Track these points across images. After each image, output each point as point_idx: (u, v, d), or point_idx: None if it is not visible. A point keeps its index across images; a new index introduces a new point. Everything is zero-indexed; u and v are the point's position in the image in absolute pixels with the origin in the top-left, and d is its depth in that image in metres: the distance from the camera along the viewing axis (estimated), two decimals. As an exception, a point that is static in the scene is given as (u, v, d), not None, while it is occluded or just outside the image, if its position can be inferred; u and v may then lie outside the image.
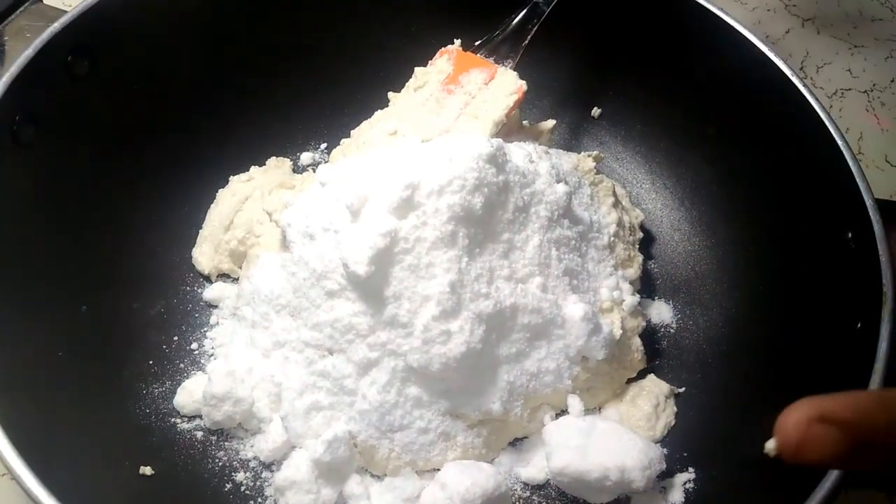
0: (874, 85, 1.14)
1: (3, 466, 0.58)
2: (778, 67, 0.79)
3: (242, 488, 0.73)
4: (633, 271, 0.83)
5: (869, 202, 0.69)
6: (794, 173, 0.80)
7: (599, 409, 0.79)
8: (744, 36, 0.82)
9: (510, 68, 0.84)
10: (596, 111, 0.98)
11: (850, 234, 0.70)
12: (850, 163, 0.72)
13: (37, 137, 0.74)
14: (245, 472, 0.74)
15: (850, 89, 1.13)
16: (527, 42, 0.85)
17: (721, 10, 0.84)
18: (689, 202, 0.92)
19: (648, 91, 0.94)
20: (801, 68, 1.14)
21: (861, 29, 1.20)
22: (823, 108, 0.76)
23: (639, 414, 0.77)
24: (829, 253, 0.73)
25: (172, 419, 0.76)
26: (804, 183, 0.78)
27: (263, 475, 0.74)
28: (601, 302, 0.77)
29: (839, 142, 0.73)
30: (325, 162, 0.94)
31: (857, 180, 0.71)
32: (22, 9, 0.81)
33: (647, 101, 0.95)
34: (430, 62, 0.86)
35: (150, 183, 0.86)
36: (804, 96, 0.77)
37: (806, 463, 0.42)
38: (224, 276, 0.86)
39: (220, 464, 0.74)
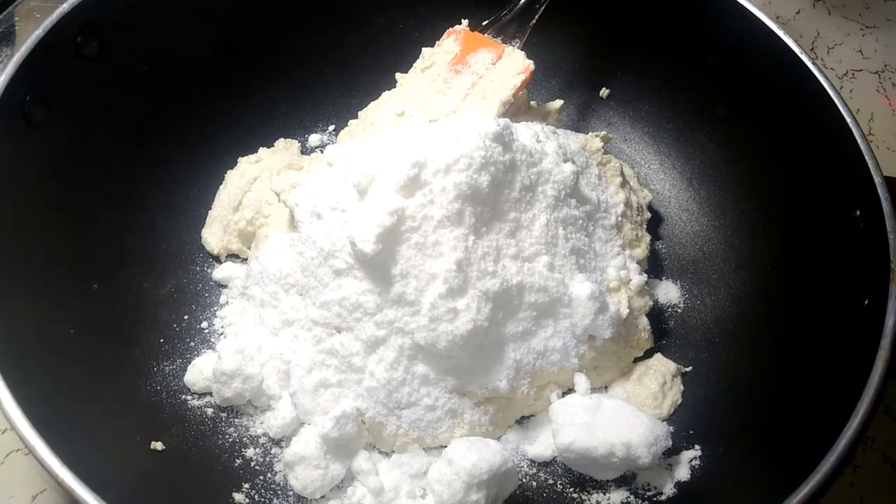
0: (886, 66, 1.13)
1: (19, 441, 0.59)
2: (789, 48, 0.79)
3: (252, 464, 0.74)
4: (641, 251, 0.83)
5: (878, 179, 0.69)
6: (803, 154, 0.79)
7: (606, 387, 0.79)
8: (754, 16, 0.82)
9: (518, 48, 0.84)
10: (604, 92, 0.98)
11: (858, 212, 0.70)
12: (860, 142, 0.71)
13: (47, 118, 0.74)
14: (255, 448, 0.75)
15: (861, 70, 1.12)
16: (534, 22, 0.85)
17: (731, -11, 0.83)
18: (697, 182, 0.92)
19: (657, 72, 0.94)
20: (812, 49, 1.13)
21: (873, 9, 1.19)
22: (834, 88, 0.75)
23: (645, 392, 0.77)
24: (837, 231, 0.72)
25: (183, 396, 0.77)
26: (813, 163, 0.78)
27: (273, 451, 0.75)
28: (608, 281, 0.78)
29: (849, 121, 0.73)
30: (333, 143, 0.94)
31: (867, 159, 0.70)
32: (32, -10, 0.82)
33: (655, 81, 0.95)
34: (437, 43, 0.86)
35: (159, 164, 0.86)
36: (815, 77, 0.77)
37: None
38: (233, 257, 0.87)
39: (231, 440, 0.75)
